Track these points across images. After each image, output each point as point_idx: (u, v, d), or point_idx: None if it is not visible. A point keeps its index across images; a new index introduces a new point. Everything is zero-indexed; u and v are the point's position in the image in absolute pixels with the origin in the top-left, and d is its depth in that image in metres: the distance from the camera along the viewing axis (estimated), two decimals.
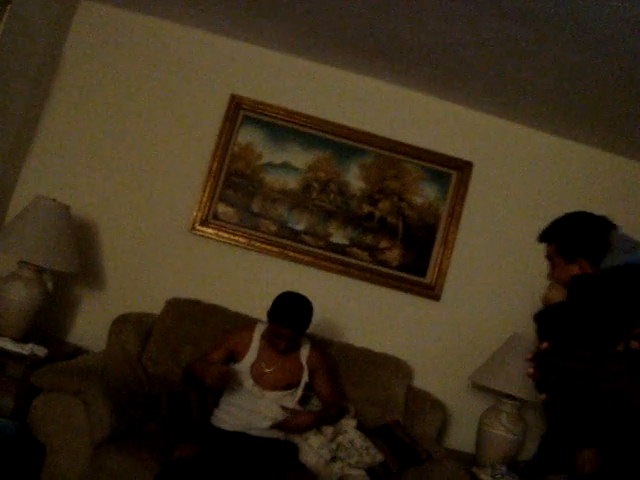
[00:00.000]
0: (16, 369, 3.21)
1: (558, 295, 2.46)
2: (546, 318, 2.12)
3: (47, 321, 3.55)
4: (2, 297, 3.17)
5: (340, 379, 3.37)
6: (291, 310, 2.95)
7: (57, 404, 2.70)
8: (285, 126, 3.75)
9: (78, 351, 3.47)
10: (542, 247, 3.74)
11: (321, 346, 3.28)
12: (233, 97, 3.75)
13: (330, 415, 3.07)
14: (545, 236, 2.54)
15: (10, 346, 3.06)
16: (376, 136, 3.78)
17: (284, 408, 2.93)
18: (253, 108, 3.74)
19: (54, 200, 3.27)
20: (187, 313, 3.41)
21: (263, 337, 3.06)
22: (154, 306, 3.55)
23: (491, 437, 3.40)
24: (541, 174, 3.87)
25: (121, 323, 3.35)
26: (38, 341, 3.20)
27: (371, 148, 3.78)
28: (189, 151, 3.76)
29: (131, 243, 3.71)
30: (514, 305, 3.79)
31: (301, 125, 3.75)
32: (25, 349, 3.07)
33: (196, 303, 3.48)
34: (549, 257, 2.51)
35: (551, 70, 3.05)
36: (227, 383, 2.87)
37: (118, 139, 3.75)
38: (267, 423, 2.92)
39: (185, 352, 3.33)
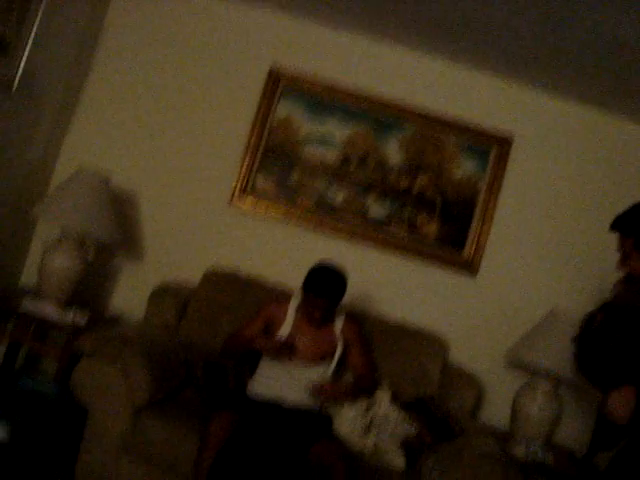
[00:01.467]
0: (59, 335, 3.31)
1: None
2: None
3: (88, 289, 3.62)
4: (45, 265, 3.25)
5: (374, 352, 3.38)
6: (326, 280, 2.94)
7: (98, 370, 2.77)
8: (324, 99, 3.74)
9: (117, 319, 3.55)
10: (579, 221, 3.73)
11: (356, 319, 3.29)
12: (272, 70, 3.75)
13: (363, 388, 3.08)
14: (621, 226, 2.27)
15: (53, 313, 3.15)
16: (415, 110, 3.75)
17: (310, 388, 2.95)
18: (292, 81, 3.74)
19: (96, 171, 3.32)
20: (225, 284, 3.45)
21: (298, 309, 3.08)
22: (192, 277, 3.60)
23: (526, 414, 3.38)
24: (583, 150, 3.80)
25: (160, 293, 3.41)
26: (79, 309, 3.27)
27: (410, 122, 3.75)
28: (228, 124, 3.78)
29: (170, 214, 3.76)
30: (552, 282, 3.76)
31: (340, 98, 3.74)
32: (67, 316, 3.15)
33: (234, 274, 3.52)
34: (623, 250, 2.27)
35: (594, 41, 2.97)
36: (288, 353, 2.93)
37: (158, 111, 3.79)
38: (301, 394, 2.95)
39: (222, 322, 3.38)
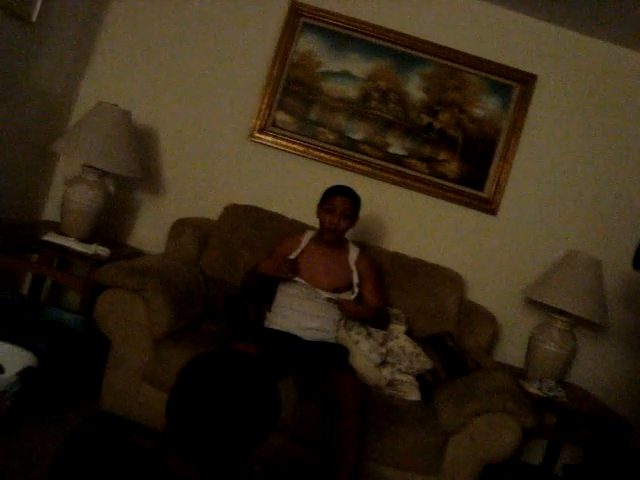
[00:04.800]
0: (81, 267, 3.36)
1: None
2: None
3: (109, 224, 3.66)
4: (67, 199, 3.28)
5: (393, 288, 3.41)
6: (343, 185, 3.10)
7: (119, 300, 2.82)
8: (345, 34, 3.68)
9: (138, 253, 3.59)
10: (602, 163, 3.69)
11: (369, 253, 3.32)
12: (293, 3, 3.68)
13: (377, 319, 3.13)
14: None
15: (75, 246, 3.19)
16: (438, 45, 3.67)
17: (330, 300, 2.98)
18: (313, 15, 3.67)
19: (116, 105, 3.32)
20: (245, 219, 3.47)
21: (312, 240, 3.13)
22: (212, 212, 3.61)
23: (541, 352, 3.42)
24: (608, 89, 3.72)
25: (180, 227, 3.43)
26: (101, 243, 3.31)
27: (433, 58, 3.68)
28: (248, 58, 3.73)
29: (190, 149, 3.76)
30: (571, 222, 3.74)
31: (362, 33, 3.67)
32: (89, 249, 3.19)
33: (254, 209, 3.53)
34: None
35: None
36: (292, 269, 2.97)
37: (179, 46, 3.74)
38: (318, 324, 3.00)
39: (242, 257, 3.40)
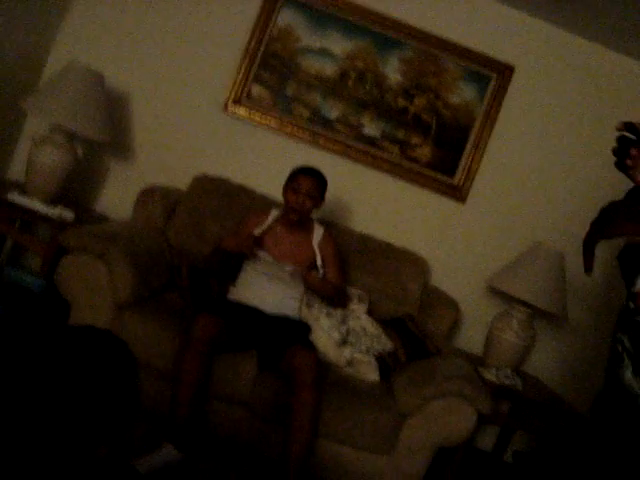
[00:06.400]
0: (44, 230, 3.31)
1: None
2: None
3: (75, 188, 3.59)
4: (34, 160, 3.20)
5: (357, 268, 3.42)
6: (309, 166, 3.10)
7: (82, 265, 2.78)
8: (326, 11, 3.64)
9: (104, 219, 3.54)
10: (571, 158, 3.73)
11: (337, 233, 3.31)
12: None
13: (336, 297, 3.14)
14: None
15: (39, 207, 3.12)
16: (419, 30, 3.66)
17: (294, 272, 2.99)
18: None
19: (88, 67, 3.25)
20: (214, 190, 3.44)
21: (277, 219, 3.12)
22: (181, 181, 3.58)
23: (500, 341, 3.46)
24: (584, 85, 3.75)
25: (148, 194, 3.38)
26: (66, 206, 3.25)
27: (412, 42, 3.67)
28: (227, 29, 3.68)
29: (163, 117, 3.70)
30: (538, 214, 3.79)
31: (343, 11, 3.64)
32: (54, 212, 3.13)
33: (223, 181, 3.50)
34: None
35: None
36: (252, 246, 2.95)
37: (156, 11, 3.67)
38: (280, 299, 3.01)
39: (209, 228, 3.38)
